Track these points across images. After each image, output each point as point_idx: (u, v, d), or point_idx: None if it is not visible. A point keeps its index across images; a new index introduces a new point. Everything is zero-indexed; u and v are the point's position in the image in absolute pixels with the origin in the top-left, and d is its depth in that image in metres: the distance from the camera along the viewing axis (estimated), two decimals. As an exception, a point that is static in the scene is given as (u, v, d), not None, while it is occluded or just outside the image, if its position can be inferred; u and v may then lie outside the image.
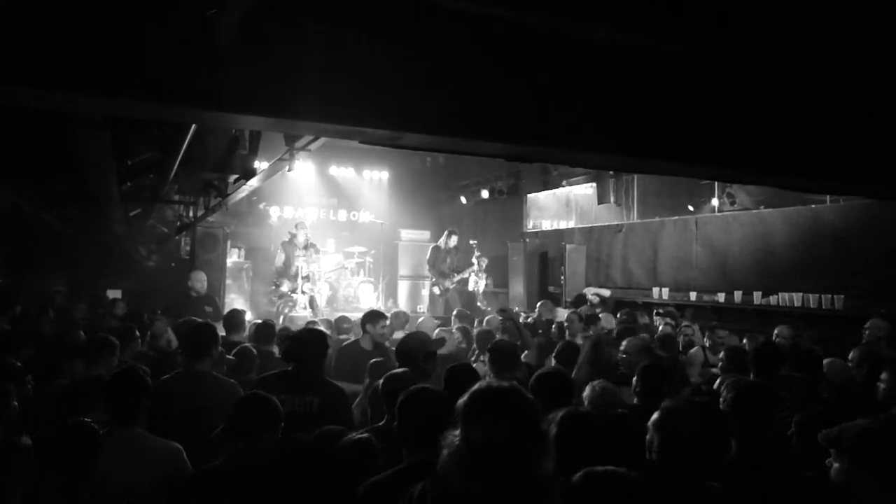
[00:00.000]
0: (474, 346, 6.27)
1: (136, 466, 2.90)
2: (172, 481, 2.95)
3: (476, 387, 1.93)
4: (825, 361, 4.63)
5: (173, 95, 2.49)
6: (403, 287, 15.11)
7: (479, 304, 12.37)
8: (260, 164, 7.19)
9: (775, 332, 6.18)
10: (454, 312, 8.50)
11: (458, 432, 1.86)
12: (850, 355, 4.66)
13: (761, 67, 3.28)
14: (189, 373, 3.99)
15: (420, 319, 8.18)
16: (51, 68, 2.29)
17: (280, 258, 11.56)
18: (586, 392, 3.66)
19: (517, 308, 10.98)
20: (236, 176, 7.55)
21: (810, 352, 4.81)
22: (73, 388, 3.84)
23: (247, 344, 5.52)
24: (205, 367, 4.00)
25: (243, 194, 8.62)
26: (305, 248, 11.38)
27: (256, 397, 3.00)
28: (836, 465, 2.17)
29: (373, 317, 6.03)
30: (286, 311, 11.08)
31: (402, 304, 13.98)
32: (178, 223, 12.27)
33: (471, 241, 12.99)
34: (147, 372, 3.45)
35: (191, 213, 11.13)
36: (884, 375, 4.14)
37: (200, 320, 5.04)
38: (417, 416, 2.68)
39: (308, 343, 4.09)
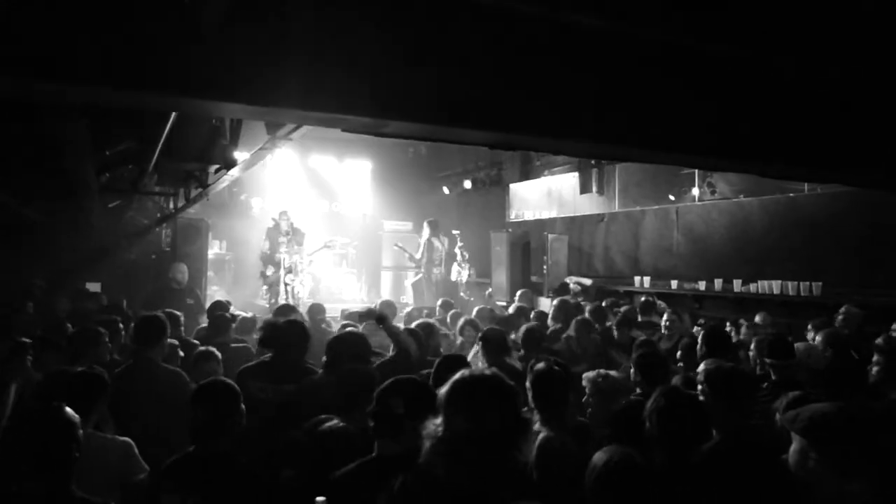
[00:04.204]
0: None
1: (87, 466, 2.69)
2: (125, 476, 2.95)
3: (458, 376, 1.92)
4: (800, 347, 4.71)
5: (150, 82, 2.44)
6: (387, 278, 15.10)
7: (461, 294, 12.40)
8: (241, 154, 7.13)
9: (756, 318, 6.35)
10: (439, 302, 8.54)
11: (439, 421, 1.85)
12: (816, 339, 4.75)
13: (754, 56, 3.28)
14: (137, 363, 4.13)
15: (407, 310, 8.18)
16: (14, 53, 2.23)
17: (265, 245, 11.54)
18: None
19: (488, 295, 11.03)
20: (217, 166, 7.48)
21: (783, 338, 4.87)
22: (49, 382, 3.76)
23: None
24: (153, 355, 4.15)
25: (224, 184, 8.54)
26: (288, 234, 11.35)
27: (206, 389, 2.92)
28: (792, 446, 2.18)
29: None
30: (272, 300, 11.07)
31: (386, 295, 13.97)
32: (159, 215, 12.13)
33: (453, 232, 12.99)
34: (103, 373, 3.36)
35: (171, 205, 11.01)
36: (875, 358, 4.21)
37: (157, 312, 4.79)
38: (394, 406, 2.67)
39: (286, 332, 4.11)
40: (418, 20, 2.73)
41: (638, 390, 3.72)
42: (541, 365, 3.21)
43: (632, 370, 3.95)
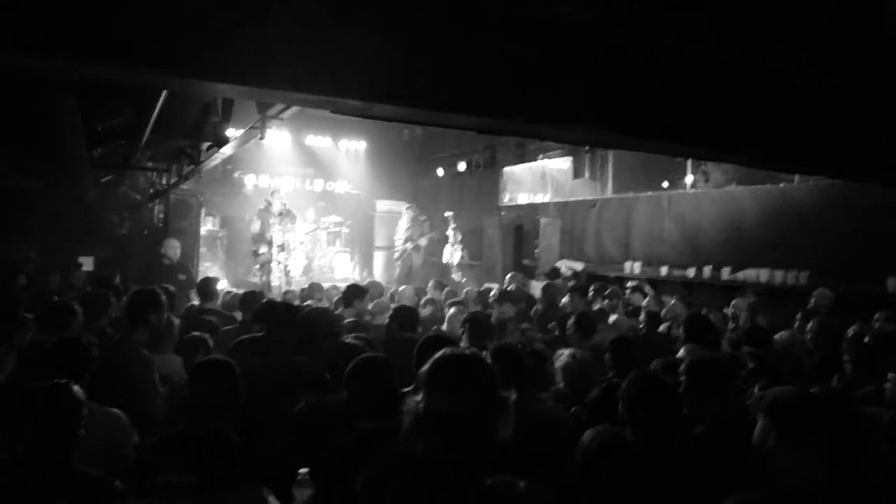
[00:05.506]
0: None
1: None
2: (115, 447, 2.96)
3: (439, 355, 1.95)
4: (781, 335, 4.78)
5: (142, 60, 2.46)
6: (379, 258, 15.12)
7: (453, 276, 12.46)
8: (234, 132, 7.12)
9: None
10: (430, 283, 8.59)
11: (419, 398, 1.89)
12: (808, 326, 4.81)
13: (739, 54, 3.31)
14: (119, 345, 3.84)
15: (401, 289, 8.19)
16: (8, 30, 2.24)
17: (256, 225, 11.55)
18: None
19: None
20: (209, 143, 7.47)
21: (760, 327, 4.93)
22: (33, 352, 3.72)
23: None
24: (138, 336, 3.86)
25: (216, 162, 8.54)
26: (281, 215, 11.37)
27: (207, 366, 2.94)
28: (757, 426, 2.24)
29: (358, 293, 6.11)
30: (264, 278, 11.11)
31: (378, 275, 14.02)
32: (151, 190, 12.10)
33: (446, 214, 13.01)
34: (94, 342, 3.31)
35: (164, 181, 10.98)
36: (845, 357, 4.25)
37: (152, 287, 4.58)
38: (369, 384, 2.73)
39: (273, 309, 4.16)
40: (403, 7, 2.74)
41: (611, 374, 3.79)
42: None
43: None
